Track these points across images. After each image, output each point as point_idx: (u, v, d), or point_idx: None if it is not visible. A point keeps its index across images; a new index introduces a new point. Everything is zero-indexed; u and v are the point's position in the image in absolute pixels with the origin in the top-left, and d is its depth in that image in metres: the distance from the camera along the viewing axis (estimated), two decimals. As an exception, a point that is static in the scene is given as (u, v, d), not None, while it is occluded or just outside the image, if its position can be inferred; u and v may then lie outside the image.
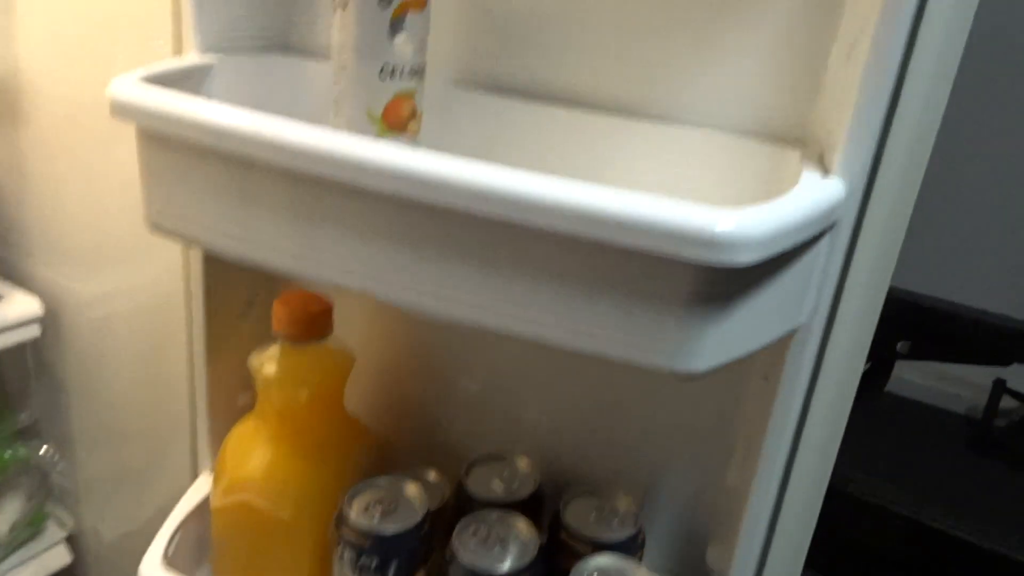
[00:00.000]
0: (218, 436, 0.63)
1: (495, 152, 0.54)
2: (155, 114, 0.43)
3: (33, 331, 0.85)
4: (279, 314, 0.56)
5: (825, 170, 0.42)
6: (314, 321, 0.57)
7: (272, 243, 0.44)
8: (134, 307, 0.81)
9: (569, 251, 0.37)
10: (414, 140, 0.50)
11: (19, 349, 0.86)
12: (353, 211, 0.41)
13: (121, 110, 0.44)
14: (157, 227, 0.47)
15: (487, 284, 0.39)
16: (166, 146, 0.44)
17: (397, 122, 0.49)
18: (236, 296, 0.64)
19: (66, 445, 0.93)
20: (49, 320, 0.86)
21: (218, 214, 0.44)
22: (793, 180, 0.43)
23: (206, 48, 0.54)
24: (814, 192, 0.39)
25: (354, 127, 0.48)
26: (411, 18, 0.47)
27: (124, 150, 0.46)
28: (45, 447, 0.91)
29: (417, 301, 0.41)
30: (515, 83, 0.54)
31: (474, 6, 0.54)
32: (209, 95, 0.54)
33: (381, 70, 0.47)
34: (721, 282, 0.36)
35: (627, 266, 0.36)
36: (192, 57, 0.53)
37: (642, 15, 0.50)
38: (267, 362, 0.58)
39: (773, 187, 0.46)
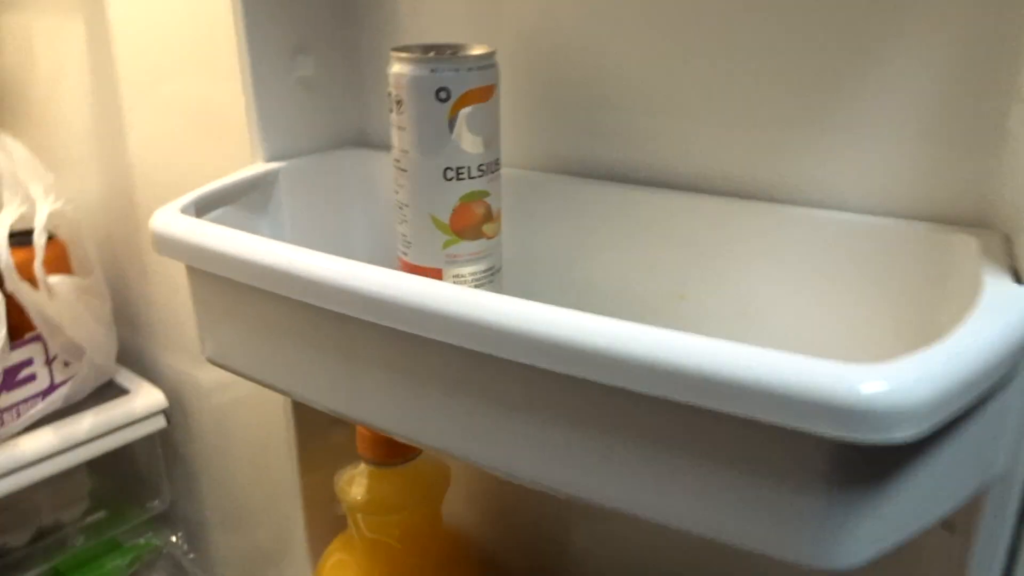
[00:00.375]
0: (317, 544, 0.59)
1: (595, 243, 0.46)
2: (191, 249, 0.38)
3: (159, 423, 0.85)
4: (362, 436, 0.51)
5: (1016, 268, 0.31)
6: (399, 443, 0.51)
7: (323, 385, 0.38)
8: (247, 395, 0.79)
9: (663, 416, 0.28)
10: (492, 244, 0.43)
11: (148, 440, 0.86)
12: (406, 356, 0.34)
13: (160, 244, 0.40)
14: (211, 360, 0.43)
15: (579, 450, 0.31)
16: (208, 279, 0.40)
17: (468, 227, 0.42)
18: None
19: (196, 531, 0.92)
20: (175, 408, 0.86)
21: (265, 351, 0.39)
22: (967, 279, 0.32)
23: (272, 156, 0.50)
24: (1004, 312, 0.29)
25: (419, 237, 0.42)
26: (475, 112, 0.40)
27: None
28: (176, 535, 0.91)
29: (495, 462, 0.34)
30: (616, 166, 0.46)
31: (566, 84, 0.47)
32: (278, 202, 0.50)
33: (445, 172, 0.41)
34: (872, 461, 0.26)
35: (743, 437, 0.27)
36: (256, 167, 0.49)
37: (763, 78, 0.40)
38: (354, 485, 0.52)
39: (938, 288, 0.36)
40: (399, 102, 0.41)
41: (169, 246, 0.39)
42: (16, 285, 0.69)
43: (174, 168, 0.75)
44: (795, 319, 0.41)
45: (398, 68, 0.40)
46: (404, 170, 0.42)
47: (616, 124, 0.45)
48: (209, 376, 0.85)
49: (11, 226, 0.73)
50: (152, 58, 0.72)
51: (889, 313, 0.39)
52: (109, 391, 0.82)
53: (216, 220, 0.45)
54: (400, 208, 0.43)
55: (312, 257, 0.34)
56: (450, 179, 0.41)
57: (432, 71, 0.39)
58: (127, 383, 0.83)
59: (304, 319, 0.37)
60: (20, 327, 0.75)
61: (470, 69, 0.40)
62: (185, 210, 0.41)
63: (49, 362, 0.77)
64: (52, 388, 0.78)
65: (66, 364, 0.79)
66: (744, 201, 0.41)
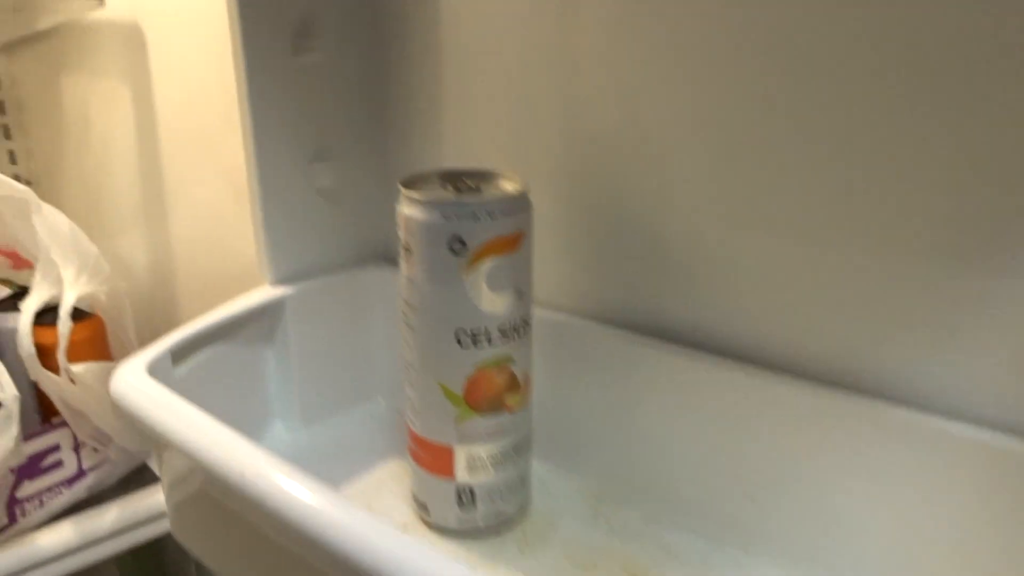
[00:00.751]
0: None
1: (647, 416, 0.38)
2: (148, 423, 0.32)
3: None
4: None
5: None
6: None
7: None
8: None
9: None
10: (517, 417, 0.35)
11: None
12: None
13: (121, 407, 0.34)
14: (174, 533, 0.36)
15: None
16: (168, 451, 0.33)
17: (486, 400, 0.34)
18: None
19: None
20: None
21: (227, 545, 0.32)
22: None
23: (283, 277, 0.44)
24: None
25: (428, 406, 0.35)
26: (497, 266, 0.33)
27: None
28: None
29: None
30: (678, 325, 0.38)
31: (627, 219, 0.39)
32: (285, 330, 0.43)
33: (458, 336, 0.33)
34: None
35: None
36: (260, 293, 0.43)
37: (874, 254, 0.31)
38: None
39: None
40: (407, 248, 0.34)
41: (129, 411, 0.33)
42: (39, 374, 0.66)
43: (214, 240, 0.70)
44: (889, 540, 0.31)
45: (407, 210, 0.33)
46: (411, 327, 0.34)
47: (683, 277, 0.37)
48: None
49: (48, 302, 0.70)
50: (191, 128, 0.68)
51: (1000, 545, 0.29)
52: (141, 477, 0.78)
53: (213, 353, 0.39)
54: (407, 368, 0.36)
55: (279, 477, 0.27)
56: (464, 344, 0.33)
57: (445, 217, 0.32)
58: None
59: (270, 527, 0.30)
60: (51, 409, 0.71)
61: (492, 215, 0.32)
62: (155, 363, 0.35)
63: (77, 448, 0.74)
64: (79, 475, 0.74)
65: (95, 450, 0.75)
66: (835, 392, 0.32)
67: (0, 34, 0.90)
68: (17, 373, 0.69)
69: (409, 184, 0.34)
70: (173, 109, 0.70)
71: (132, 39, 0.70)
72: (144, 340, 0.80)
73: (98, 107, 0.82)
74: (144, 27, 0.68)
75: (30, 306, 0.65)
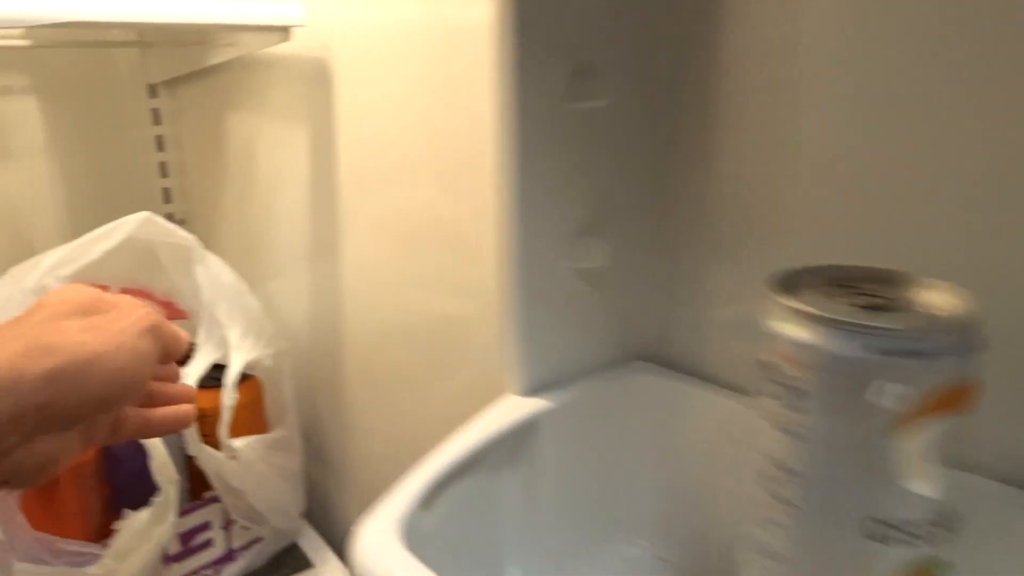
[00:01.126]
0: None
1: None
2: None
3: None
4: None
5: None
6: None
7: None
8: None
9: None
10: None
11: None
12: None
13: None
14: None
15: None
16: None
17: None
18: None
19: None
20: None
21: None
22: None
23: (534, 384, 0.34)
24: None
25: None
26: (942, 429, 0.21)
27: None
28: None
29: None
30: None
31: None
32: (537, 451, 0.33)
33: (870, 527, 0.22)
34: None
35: None
36: (513, 407, 0.33)
37: None
38: None
39: None
40: (794, 388, 0.23)
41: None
42: (199, 449, 0.58)
43: (382, 295, 0.62)
44: None
45: (798, 331, 0.22)
46: (787, 503, 0.23)
47: None
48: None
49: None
50: (372, 173, 0.60)
51: None
52: (290, 560, 0.70)
53: (456, 491, 0.30)
54: (763, 555, 0.25)
55: None
56: (878, 540, 0.22)
57: (871, 351, 0.21)
58: (312, 551, 0.70)
59: None
60: (199, 486, 0.64)
61: (942, 351, 0.21)
62: (404, 520, 0.25)
63: (227, 526, 0.66)
64: (229, 556, 0.66)
65: (246, 527, 0.67)
66: None
67: (170, 69, 0.86)
68: (171, 443, 0.62)
69: (785, 287, 0.24)
70: (354, 153, 0.62)
71: (318, 76, 0.62)
72: (301, 398, 0.72)
73: (267, 147, 0.75)
74: (333, 64, 0.61)
75: (195, 371, 0.57)
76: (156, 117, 0.94)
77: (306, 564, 0.69)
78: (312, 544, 0.71)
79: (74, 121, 0.88)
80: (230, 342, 0.61)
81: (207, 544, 0.65)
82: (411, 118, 0.53)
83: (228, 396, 0.58)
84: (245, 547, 0.67)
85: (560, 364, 0.35)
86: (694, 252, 0.36)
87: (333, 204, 0.67)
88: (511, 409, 0.33)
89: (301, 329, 0.77)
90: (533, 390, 0.34)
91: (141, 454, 0.67)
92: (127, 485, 0.66)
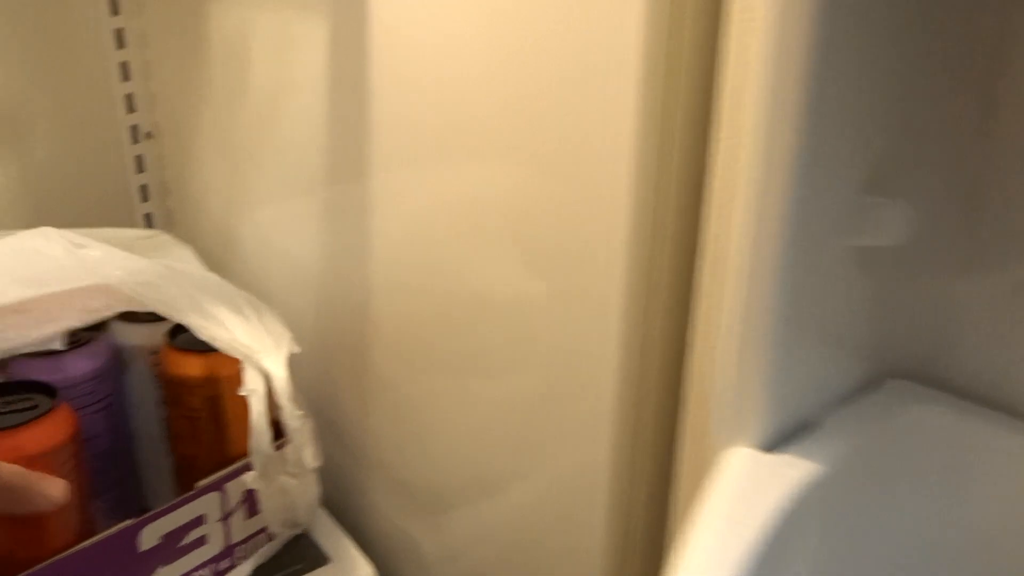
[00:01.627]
0: None
1: None
2: None
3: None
4: None
5: None
6: None
7: None
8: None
9: None
10: None
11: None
12: None
13: None
14: None
15: None
16: None
17: None
18: None
19: None
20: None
21: None
22: None
23: (778, 436, 0.21)
24: None
25: None
26: None
27: None
28: None
29: None
30: None
31: None
32: (806, 539, 0.21)
33: None
34: None
35: None
36: (760, 477, 0.20)
37: None
38: None
39: None
40: None
41: None
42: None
43: (444, 266, 0.49)
44: None
45: None
46: None
47: None
48: (431, 541, 0.59)
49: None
50: (432, 81, 0.46)
51: None
52: (303, 552, 0.58)
53: None
54: None
55: None
56: None
57: None
58: (328, 545, 0.59)
59: None
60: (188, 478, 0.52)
61: None
62: None
63: (225, 517, 0.54)
64: (227, 552, 0.55)
65: (247, 517, 0.55)
66: None
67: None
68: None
69: None
70: (392, 75, 0.48)
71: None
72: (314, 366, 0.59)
73: (261, 49, 0.60)
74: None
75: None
76: (114, 6, 0.77)
77: (322, 559, 0.57)
78: (329, 535, 0.59)
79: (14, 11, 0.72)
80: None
81: (199, 543, 0.53)
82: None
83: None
84: (245, 540, 0.56)
85: (804, 393, 0.22)
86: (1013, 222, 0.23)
87: (364, 120, 0.52)
88: (762, 483, 0.20)
89: (306, 280, 0.64)
90: (777, 441, 0.21)
91: (109, 431, 0.54)
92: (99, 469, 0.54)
